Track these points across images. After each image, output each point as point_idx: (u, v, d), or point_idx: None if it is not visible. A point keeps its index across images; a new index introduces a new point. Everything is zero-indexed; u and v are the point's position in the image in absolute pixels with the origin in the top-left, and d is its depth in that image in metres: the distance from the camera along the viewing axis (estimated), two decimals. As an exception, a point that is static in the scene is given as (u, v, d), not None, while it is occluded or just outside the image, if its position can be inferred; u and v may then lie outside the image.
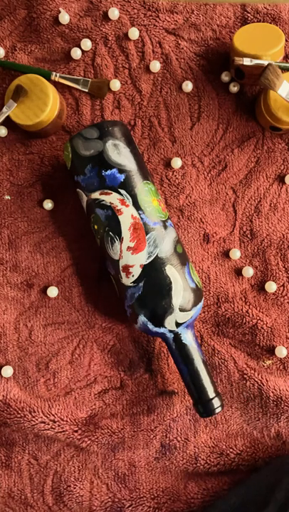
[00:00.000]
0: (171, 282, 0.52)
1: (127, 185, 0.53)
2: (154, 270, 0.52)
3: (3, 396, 0.58)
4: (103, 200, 0.54)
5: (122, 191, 0.53)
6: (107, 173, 0.53)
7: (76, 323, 0.61)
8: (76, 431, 0.58)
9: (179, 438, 0.59)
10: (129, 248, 0.53)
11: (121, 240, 0.53)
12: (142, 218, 0.53)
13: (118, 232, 0.53)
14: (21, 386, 0.59)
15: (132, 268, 0.53)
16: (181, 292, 0.52)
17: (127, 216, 0.53)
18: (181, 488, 0.59)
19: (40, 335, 0.60)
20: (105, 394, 0.60)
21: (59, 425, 0.58)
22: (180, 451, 0.58)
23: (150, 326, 0.53)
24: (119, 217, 0.53)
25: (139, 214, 0.53)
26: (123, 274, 0.54)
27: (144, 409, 0.59)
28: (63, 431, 0.58)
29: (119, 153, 0.54)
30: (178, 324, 0.53)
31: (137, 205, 0.53)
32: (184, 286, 0.53)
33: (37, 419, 0.58)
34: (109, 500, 0.58)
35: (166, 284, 0.52)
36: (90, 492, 0.59)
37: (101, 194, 0.54)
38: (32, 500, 0.59)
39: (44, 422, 0.58)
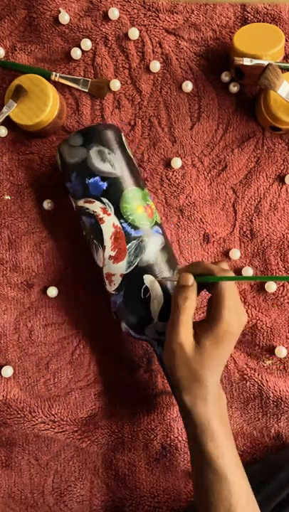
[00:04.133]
0: (149, 293, 0.52)
1: (110, 193, 0.52)
2: (133, 280, 0.52)
3: (3, 396, 0.58)
4: (87, 209, 0.53)
5: (105, 200, 0.52)
6: (90, 181, 0.52)
7: (76, 323, 0.61)
8: (76, 431, 0.58)
9: (179, 438, 0.59)
10: (110, 257, 0.52)
11: (103, 248, 0.53)
12: (123, 227, 0.52)
13: (101, 241, 0.53)
14: (21, 386, 0.59)
15: (114, 277, 0.53)
16: (160, 303, 0.52)
17: (108, 225, 0.52)
18: (181, 487, 0.59)
19: (40, 335, 0.60)
20: (105, 394, 0.60)
21: (59, 425, 0.58)
22: (181, 452, 0.58)
23: (132, 332, 0.54)
24: (101, 225, 0.52)
25: (121, 223, 0.52)
26: (106, 282, 0.54)
27: (144, 409, 0.59)
28: (63, 431, 0.58)
29: (103, 159, 0.53)
30: (159, 333, 0.53)
31: (118, 214, 0.52)
32: (164, 297, 0.52)
33: (37, 419, 0.58)
34: (110, 499, 0.59)
35: (144, 295, 0.52)
36: (91, 492, 0.59)
37: (85, 202, 0.53)
38: (32, 500, 0.59)
39: (44, 422, 0.58)
